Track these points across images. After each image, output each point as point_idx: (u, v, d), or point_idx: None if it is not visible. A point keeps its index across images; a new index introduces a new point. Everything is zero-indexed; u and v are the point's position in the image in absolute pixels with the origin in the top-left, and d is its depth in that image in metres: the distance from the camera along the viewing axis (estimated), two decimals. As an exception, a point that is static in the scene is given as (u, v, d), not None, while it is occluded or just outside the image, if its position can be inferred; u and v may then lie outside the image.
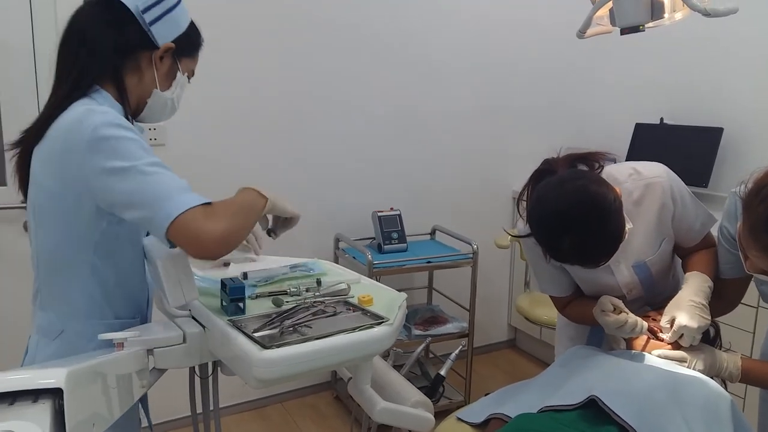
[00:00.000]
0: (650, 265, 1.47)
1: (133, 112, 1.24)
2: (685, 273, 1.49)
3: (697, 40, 2.85)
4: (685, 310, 1.33)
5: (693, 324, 1.31)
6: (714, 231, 1.47)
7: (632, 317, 1.36)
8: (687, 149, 2.82)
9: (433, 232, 3.13)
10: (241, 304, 1.21)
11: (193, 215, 1.05)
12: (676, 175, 1.47)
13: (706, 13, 1.13)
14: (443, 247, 2.96)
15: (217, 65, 2.56)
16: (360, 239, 2.87)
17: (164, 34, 1.21)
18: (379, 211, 2.82)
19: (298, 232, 2.79)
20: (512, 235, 1.48)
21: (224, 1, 2.54)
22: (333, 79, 2.82)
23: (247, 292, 1.27)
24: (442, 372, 1.64)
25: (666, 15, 1.23)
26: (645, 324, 1.37)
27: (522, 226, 1.45)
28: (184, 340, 1.18)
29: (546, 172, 1.37)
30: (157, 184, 1.07)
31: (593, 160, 1.39)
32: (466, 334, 2.84)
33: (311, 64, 2.76)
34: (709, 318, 1.34)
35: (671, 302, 1.37)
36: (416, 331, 2.75)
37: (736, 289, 1.45)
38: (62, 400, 0.78)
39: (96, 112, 1.08)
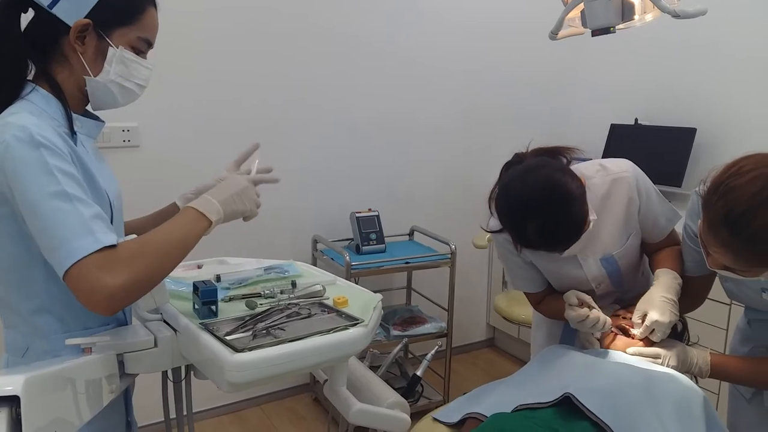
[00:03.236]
0: (618, 258, 1.50)
1: (83, 104, 1.16)
2: (652, 270, 1.51)
3: (671, 42, 2.89)
4: (657, 306, 1.35)
5: (665, 319, 1.33)
6: (679, 229, 1.49)
7: (594, 312, 1.38)
8: (661, 149, 2.86)
9: (411, 233, 3.13)
10: (213, 307, 1.20)
11: (87, 266, 0.93)
12: (641, 171, 1.50)
13: (676, 15, 1.14)
14: (422, 248, 2.97)
15: (196, 67, 2.55)
16: (338, 240, 2.86)
17: (71, 10, 1.06)
18: (357, 212, 2.82)
19: (276, 234, 2.81)
20: (486, 230, 1.49)
21: (205, 4, 2.52)
22: (311, 82, 2.81)
23: (220, 295, 1.26)
24: (419, 372, 1.65)
25: (636, 16, 1.24)
26: (608, 320, 1.39)
27: (493, 223, 1.46)
28: (156, 344, 1.16)
29: (515, 164, 1.41)
30: (52, 222, 0.95)
31: (561, 153, 1.43)
32: (444, 334, 2.84)
33: (290, 67, 2.75)
34: (678, 314, 1.36)
35: (643, 298, 1.40)
36: (395, 332, 2.74)
37: (701, 287, 1.47)
38: (20, 407, 0.76)
39: (11, 126, 0.97)
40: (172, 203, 1.39)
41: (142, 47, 1.15)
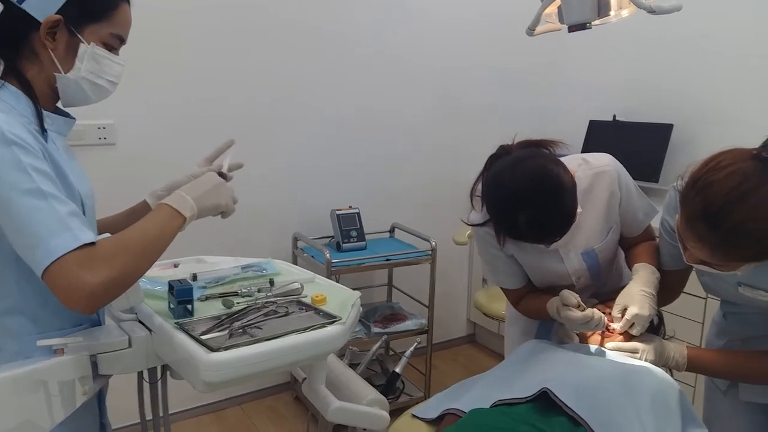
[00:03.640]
0: (598, 252, 1.51)
1: (53, 101, 1.13)
2: (629, 264, 1.53)
3: (648, 39, 2.92)
4: (637, 300, 1.36)
5: (644, 312, 1.34)
6: (656, 224, 1.51)
7: (597, 313, 1.38)
8: (639, 145, 2.88)
9: (392, 230, 3.12)
10: (189, 307, 1.19)
11: (67, 264, 0.92)
12: (621, 165, 1.51)
13: (651, 11, 1.15)
14: (402, 245, 2.96)
15: (177, 64, 2.52)
16: (319, 238, 2.85)
17: (42, 6, 1.04)
18: (337, 210, 2.80)
19: (256, 232, 2.79)
20: (468, 224, 1.49)
21: (189, 1, 2.49)
22: (291, 79, 2.79)
23: (196, 294, 1.25)
24: (398, 369, 1.64)
25: (612, 12, 1.25)
26: (604, 318, 1.39)
27: (475, 217, 1.46)
28: (130, 345, 1.14)
29: (502, 156, 1.39)
30: (28, 220, 0.93)
31: (546, 146, 1.42)
32: (425, 331, 2.84)
33: (269, 64, 2.72)
34: (656, 307, 1.38)
35: (622, 293, 1.40)
36: (375, 329, 2.74)
37: (678, 280, 1.49)
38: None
39: None
40: (142, 201, 1.37)
41: (114, 43, 1.13)
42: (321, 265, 2.57)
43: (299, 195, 2.91)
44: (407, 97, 3.13)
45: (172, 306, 1.19)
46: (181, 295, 1.18)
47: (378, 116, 3.06)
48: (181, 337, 1.07)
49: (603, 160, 1.50)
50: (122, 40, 1.14)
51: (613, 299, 1.41)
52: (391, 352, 3.19)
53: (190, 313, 1.18)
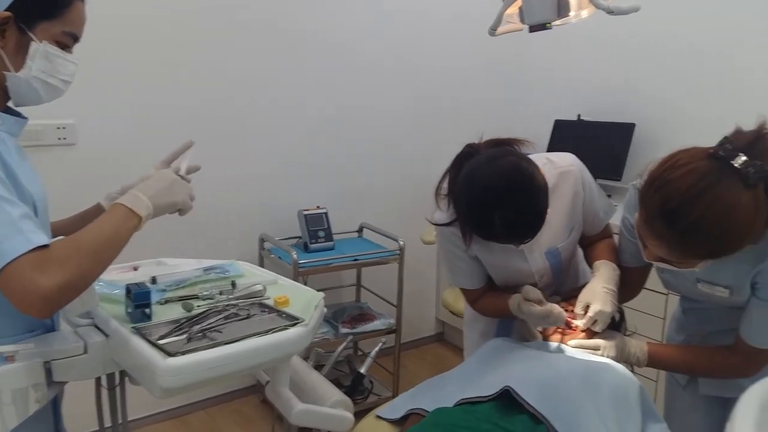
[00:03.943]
0: (561, 251, 1.52)
1: (4, 100, 1.10)
2: (589, 262, 1.55)
3: (611, 39, 2.97)
4: (600, 297, 1.37)
5: (607, 309, 1.36)
6: (616, 221, 1.53)
7: (557, 308, 1.39)
8: (602, 144, 2.93)
9: (360, 230, 3.11)
10: (147, 311, 1.16)
11: (21, 267, 0.90)
12: (583, 165, 1.53)
13: (610, 11, 1.16)
14: (370, 245, 2.96)
15: (135, 62, 2.46)
16: (286, 239, 2.82)
17: None
18: (304, 210, 2.78)
19: (222, 233, 2.75)
20: (433, 223, 1.48)
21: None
22: (257, 77, 2.76)
23: (156, 298, 1.23)
24: (362, 370, 1.64)
25: (572, 13, 1.26)
26: (564, 313, 1.40)
27: (440, 216, 1.45)
28: (86, 351, 1.12)
29: (470, 155, 1.37)
30: None
31: (513, 145, 1.42)
32: (393, 330, 2.84)
33: (235, 61, 2.69)
34: (617, 304, 1.40)
35: (584, 290, 1.42)
36: (343, 330, 2.73)
37: (638, 277, 1.52)
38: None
39: None
40: (96, 204, 1.34)
41: (67, 42, 1.10)
42: (288, 266, 2.55)
43: (266, 196, 2.88)
44: (374, 97, 3.12)
45: (129, 310, 1.16)
46: (138, 299, 1.15)
47: (345, 116, 3.05)
48: (138, 342, 1.05)
49: (567, 159, 1.51)
50: (76, 39, 1.11)
51: (576, 297, 1.42)
52: (360, 353, 3.19)
53: (148, 318, 1.16)
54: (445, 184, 1.42)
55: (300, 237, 2.82)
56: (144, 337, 1.07)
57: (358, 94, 3.07)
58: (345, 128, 3.06)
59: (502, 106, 3.49)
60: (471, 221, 1.35)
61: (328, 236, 2.78)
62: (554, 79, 3.33)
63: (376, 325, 2.81)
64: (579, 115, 3.12)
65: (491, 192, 1.26)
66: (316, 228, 2.76)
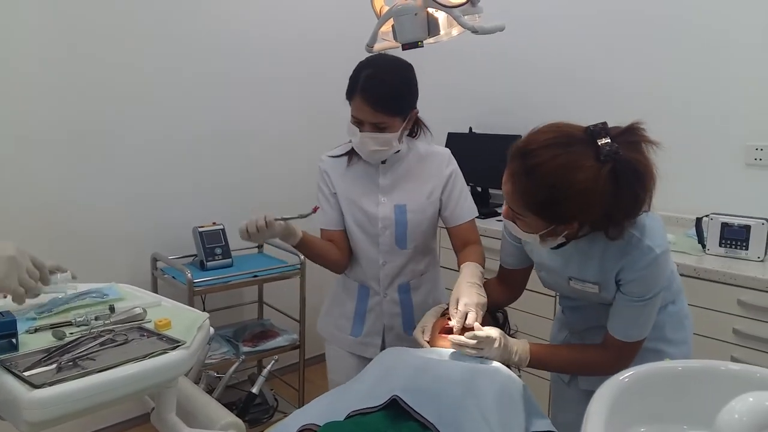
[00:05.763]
0: (408, 210, 1.70)
1: None
2: (459, 266, 1.66)
3: (495, 55, 3.11)
4: (464, 291, 1.49)
5: (473, 299, 1.46)
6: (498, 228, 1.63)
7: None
8: (493, 155, 3.03)
9: (260, 246, 3.07)
10: (13, 340, 1.09)
11: None
12: (458, 166, 1.77)
13: (474, 31, 1.22)
14: (271, 260, 2.92)
15: (14, 71, 2.31)
16: (180, 257, 2.73)
17: None
18: (200, 227, 2.71)
19: (110, 255, 2.63)
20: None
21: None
22: (150, 92, 2.69)
23: (24, 326, 1.15)
24: (254, 390, 1.61)
25: (443, 31, 1.31)
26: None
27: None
28: (-57, 387, 1.03)
29: None
30: None
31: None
32: (297, 346, 2.81)
33: (121, 78, 2.59)
34: (486, 295, 1.50)
35: (453, 291, 1.52)
36: (244, 348, 2.66)
37: (520, 278, 1.62)
38: None
39: None
40: None
41: None
42: (183, 286, 2.46)
43: (157, 214, 2.79)
44: (268, 111, 3.11)
45: (-8, 342, 1.08)
46: (4, 329, 1.08)
47: (240, 132, 3.02)
48: (1, 375, 0.98)
49: (443, 149, 1.78)
50: None
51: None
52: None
53: (15, 348, 1.08)
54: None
55: (196, 255, 2.74)
56: (9, 369, 1.00)
57: (251, 109, 3.07)
58: (240, 143, 3.03)
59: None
60: (350, 80, 1.60)
61: (226, 253, 2.72)
62: (446, 92, 3.44)
63: (278, 341, 2.78)
64: (471, 128, 3.23)
65: (370, 58, 1.59)
66: (212, 245, 2.70)
